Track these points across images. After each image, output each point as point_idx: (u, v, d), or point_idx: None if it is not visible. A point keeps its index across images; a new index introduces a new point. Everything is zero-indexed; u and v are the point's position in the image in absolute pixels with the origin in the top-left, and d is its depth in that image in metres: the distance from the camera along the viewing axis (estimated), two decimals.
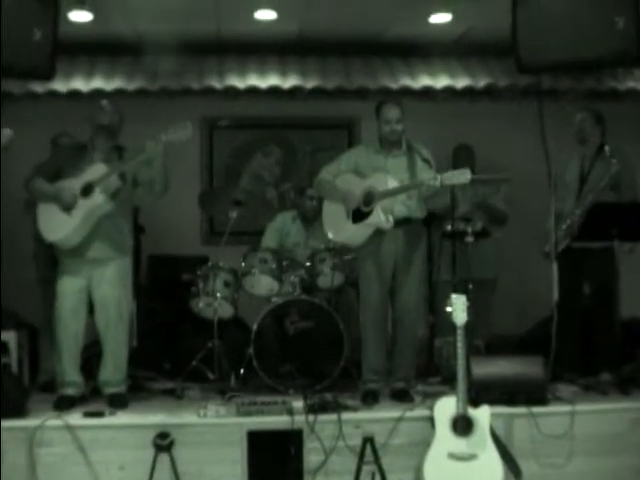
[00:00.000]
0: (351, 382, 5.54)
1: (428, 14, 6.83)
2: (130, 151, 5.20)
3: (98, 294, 5.17)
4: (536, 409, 4.77)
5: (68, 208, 5.07)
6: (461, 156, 6.67)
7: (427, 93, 7.54)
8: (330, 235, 5.49)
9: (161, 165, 5.09)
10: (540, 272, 5.67)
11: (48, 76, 5.22)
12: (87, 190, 5.05)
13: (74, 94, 7.17)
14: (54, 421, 4.58)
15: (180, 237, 7.39)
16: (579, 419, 4.77)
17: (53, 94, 7.14)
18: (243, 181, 7.86)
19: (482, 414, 4.40)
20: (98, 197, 5.04)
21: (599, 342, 5.71)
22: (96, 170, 5.08)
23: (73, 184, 5.10)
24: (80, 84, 7.22)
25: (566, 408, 4.82)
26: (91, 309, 5.21)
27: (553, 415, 4.80)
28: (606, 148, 5.63)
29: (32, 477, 4.49)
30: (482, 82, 7.53)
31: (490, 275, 6.63)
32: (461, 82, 7.54)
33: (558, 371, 5.40)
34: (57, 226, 5.11)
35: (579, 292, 5.80)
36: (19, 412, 4.69)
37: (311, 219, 6.43)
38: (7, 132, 5.13)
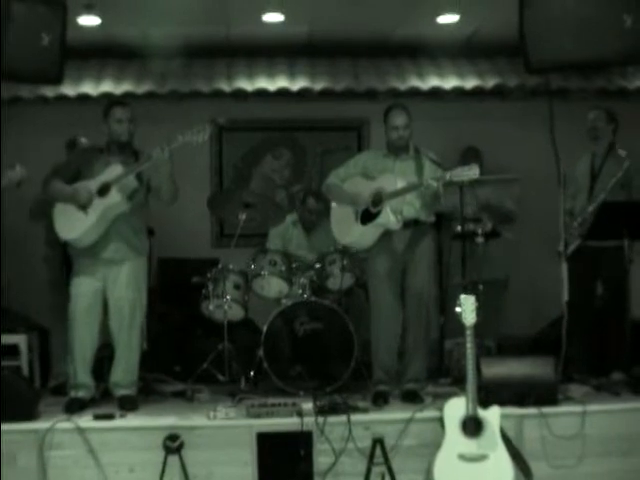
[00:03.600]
0: (361, 384, 5.54)
1: (436, 15, 6.83)
2: (144, 154, 5.19)
3: (113, 296, 5.17)
4: (547, 410, 4.74)
5: (84, 206, 5.07)
6: (469, 159, 6.65)
7: (436, 94, 7.52)
8: (338, 239, 5.49)
9: (168, 173, 5.09)
10: (552, 272, 5.65)
11: (57, 80, 5.25)
12: (104, 190, 5.06)
13: (84, 98, 7.20)
14: (64, 424, 4.59)
15: (190, 240, 7.41)
16: (590, 420, 4.74)
17: (63, 98, 7.18)
18: (253, 183, 7.87)
19: (492, 415, 4.37)
20: (115, 196, 5.05)
21: (611, 342, 5.69)
22: (113, 170, 5.10)
23: (90, 185, 5.11)
24: (89, 88, 7.24)
25: (577, 409, 4.79)
26: (104, 311, 5.21)
27: (564, 416, 4.77)
28: (620, 151, 5.61)
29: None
30: (491, 82, 7.51)
31: (501, 276, 6.60)
32: (470, 82, 7.52)
33: (569, 371, 5.39)
34: (73, 225, 5.11)
35: (591, 292, 5.78)
36: (30, 415, 4.69)
37: (309, 228, 6.47)
38: (20, 170, 5.18)
